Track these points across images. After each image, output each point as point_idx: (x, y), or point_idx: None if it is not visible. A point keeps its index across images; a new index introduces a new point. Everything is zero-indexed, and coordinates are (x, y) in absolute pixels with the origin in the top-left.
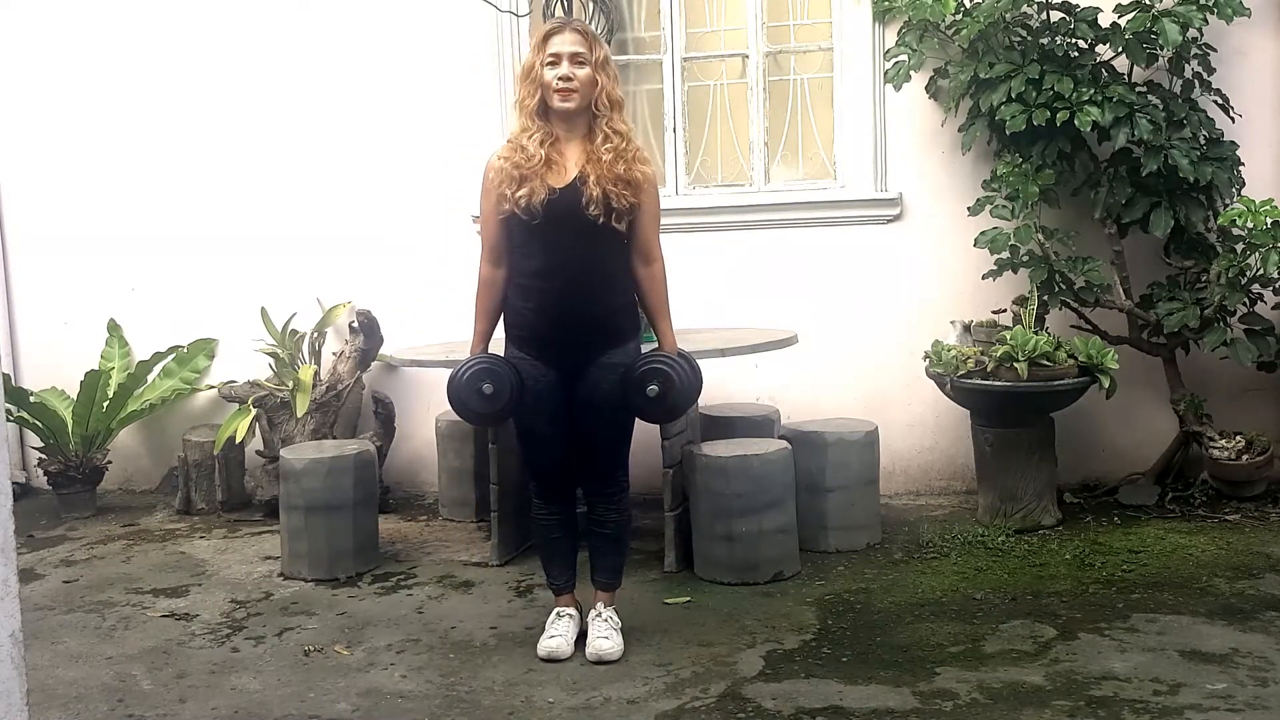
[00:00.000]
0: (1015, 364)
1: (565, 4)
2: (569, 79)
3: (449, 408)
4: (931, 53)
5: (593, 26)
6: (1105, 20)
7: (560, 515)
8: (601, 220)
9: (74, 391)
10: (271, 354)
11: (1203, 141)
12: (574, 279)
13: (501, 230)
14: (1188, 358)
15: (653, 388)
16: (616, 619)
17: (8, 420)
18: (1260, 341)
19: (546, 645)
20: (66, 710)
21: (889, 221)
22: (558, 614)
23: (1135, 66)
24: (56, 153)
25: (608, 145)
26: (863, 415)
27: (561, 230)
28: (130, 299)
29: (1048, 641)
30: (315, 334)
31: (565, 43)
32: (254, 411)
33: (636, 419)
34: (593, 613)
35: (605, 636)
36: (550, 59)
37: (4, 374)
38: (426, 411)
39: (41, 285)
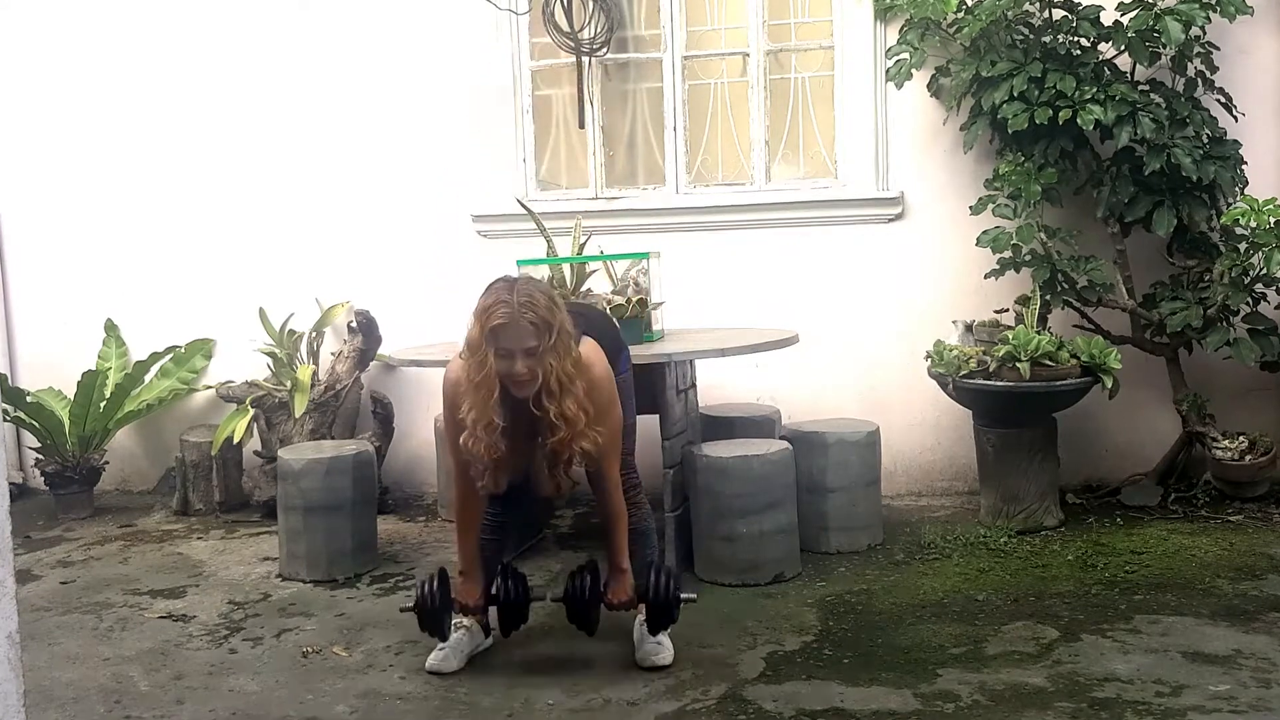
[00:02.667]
0: (1017, 364)
1: (565, 2)
2: (524, 375)
3: None
4: (933, 51)
5: (593, 26)
6: (1108, 18)
7: (499, 518)
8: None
9: (71, 392)
10: (269, 354)
11: (1205, 140)
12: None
13: None
14: (1190, 358)
15: (553, 595)
16: None
17: (5, 420)
18: (1263, 341)
19: (433, 658)
20: (64, 711)
21: (890, 221)
22: (454, 625)
23: (1138, 65)
24: (55, 153)
25: (555, 438)
26: (864, 415)
27: (526, 465)
28: (128, 299)
29: (1050, 643)
30: (313, 334)
31: (516, 339)
32: (252, 412)
33: (635, 414)
34: (640, 618)
35: (657, 642)
36: (502, 352)
37: (1, 374)
38: (425, 411)
39: (39, 285)
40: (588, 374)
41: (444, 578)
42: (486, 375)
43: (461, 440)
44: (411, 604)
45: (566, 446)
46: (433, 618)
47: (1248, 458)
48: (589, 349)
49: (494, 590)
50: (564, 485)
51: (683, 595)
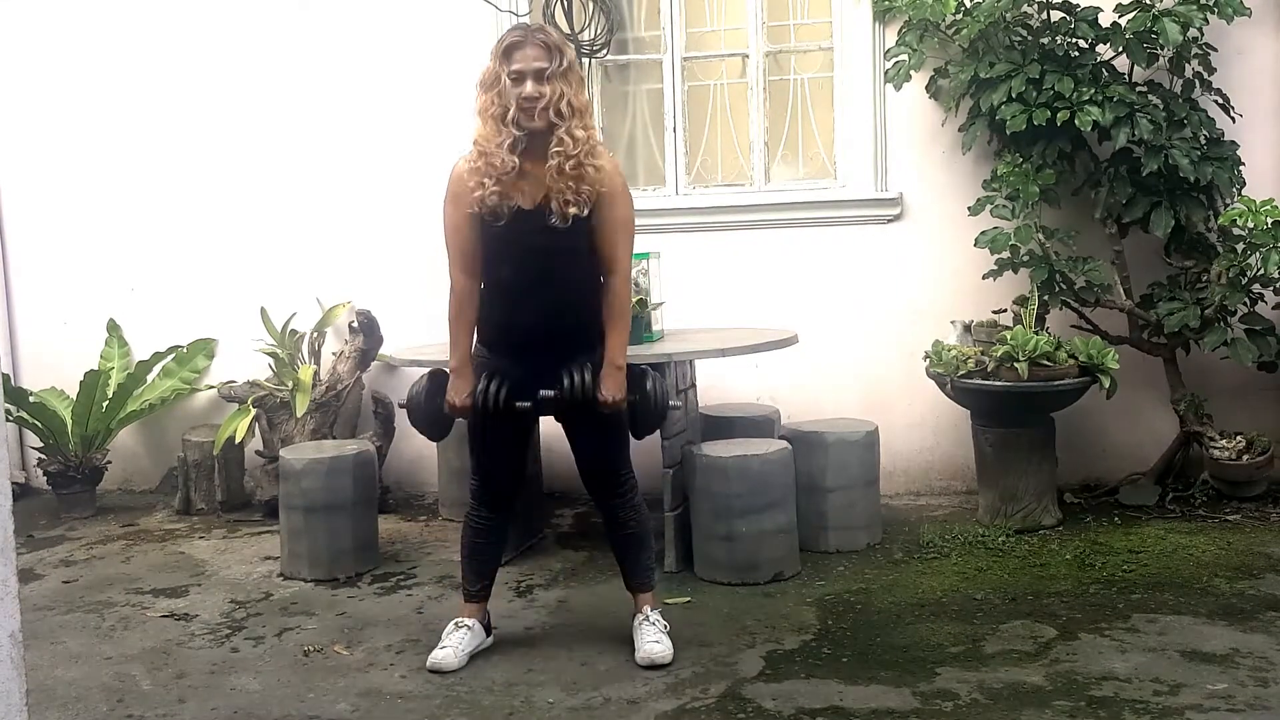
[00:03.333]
0: (1016, 364)
1: (565, 4)
2: (534, 97)
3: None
4: (932, 52)
5: (593, 27)
6: (1106, 20)
7: (494, 522)
8: (567, 225)
9: (73, 391)
10: (271, 354)
11: (1203, 141)
12: (544, 287)
13: (472, 236)
14: (1188, 358)
15: (544, 392)
16: (663, 621)
17: (7, 420)
18: (1261, 341)
19: (434, 656)
20: (66, 710)
21: (889, 221)
22: (456, 624)
23: (1136, 66)
24: (56, 153)
25: (557, 150)
26: (863, 415)
27: (529, 239)
28: (130, 299)
29: (1048, 642)
30: (315, 334)
31: (528, 58)
32: (253, 411)
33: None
34: (639, 617)
35: (656, 640)
36: (514, 74)
37: (3, 374)
38: None
39: (41, 285)
40: (603, 159)
41: (435, 375)
42: (501, 97)
43: (472, 160)
44: (405, 401)
45: (580, 166)
46: (422, 414)
47: (1245, 457)
48: (611, 163)
49: (476, 390)
50: (583, 199)
51: (671, 403)
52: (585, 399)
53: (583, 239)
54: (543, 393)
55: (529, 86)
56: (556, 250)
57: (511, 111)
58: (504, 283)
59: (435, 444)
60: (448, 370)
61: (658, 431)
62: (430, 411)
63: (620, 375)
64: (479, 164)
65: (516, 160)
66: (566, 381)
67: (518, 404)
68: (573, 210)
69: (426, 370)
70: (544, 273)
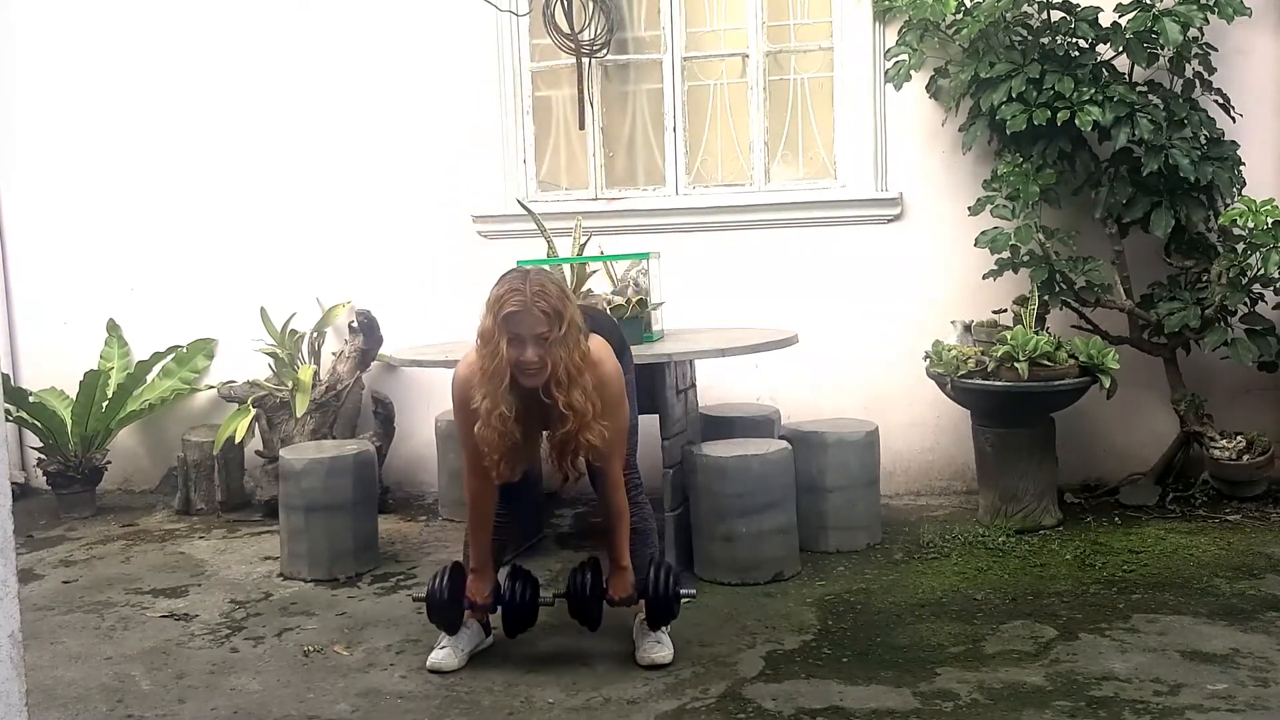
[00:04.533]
0: (1016, 364)
1: (565, 4)
2: (533, 363)
3: (449, 407)
4: (932, 52)
5: (593, 27)
6: (1106, 20)
7: (505, 517)
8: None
9: (73, 391)
10: (271, 354)
11: (1203, 141)
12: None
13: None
14: (1188, 358)
15: (553, 594)
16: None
17: (7, 420)
18: (1261, 341)
19: (434, 656)
20: (66, 710)
21: (889, 221)
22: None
23: (1136, 66)
24: (56, 153)
25: (564, 430)
26: (863, 415)
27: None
28: (129, 299)
29: (1048, 642)
30: (315, 334)
31: (528, 326)
32: (253, 411)
33: (637, 413)
34: (639, 618)
35: (657, 641)
36: (513, 339)
37: (3, 374)
38: (426, 411)
39: (41, 285)
40: (596, 370)
41: (456, 571)
42: (499, 364)
43: (476, 429)
44: (423, 595)
45: (573, 438)
46: (442, 611)
47: (1245, 457)
48: (598, 345)
49: (502, 591)
50: (571, 476)
51: (683, 591)
52: (592, 601)
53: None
54: (556, 597)
55: (529, 353)
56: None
57: (508, 378)
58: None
59: (435, 446)
60: (468, 569)
61: (658, 431)
62: (452, 608)
63: (626, 574)
64: (483, 432)
65: (517, 435)
66: (569, 586)
67: (541, 601)
68: (574, 474)
69: (446, 566)
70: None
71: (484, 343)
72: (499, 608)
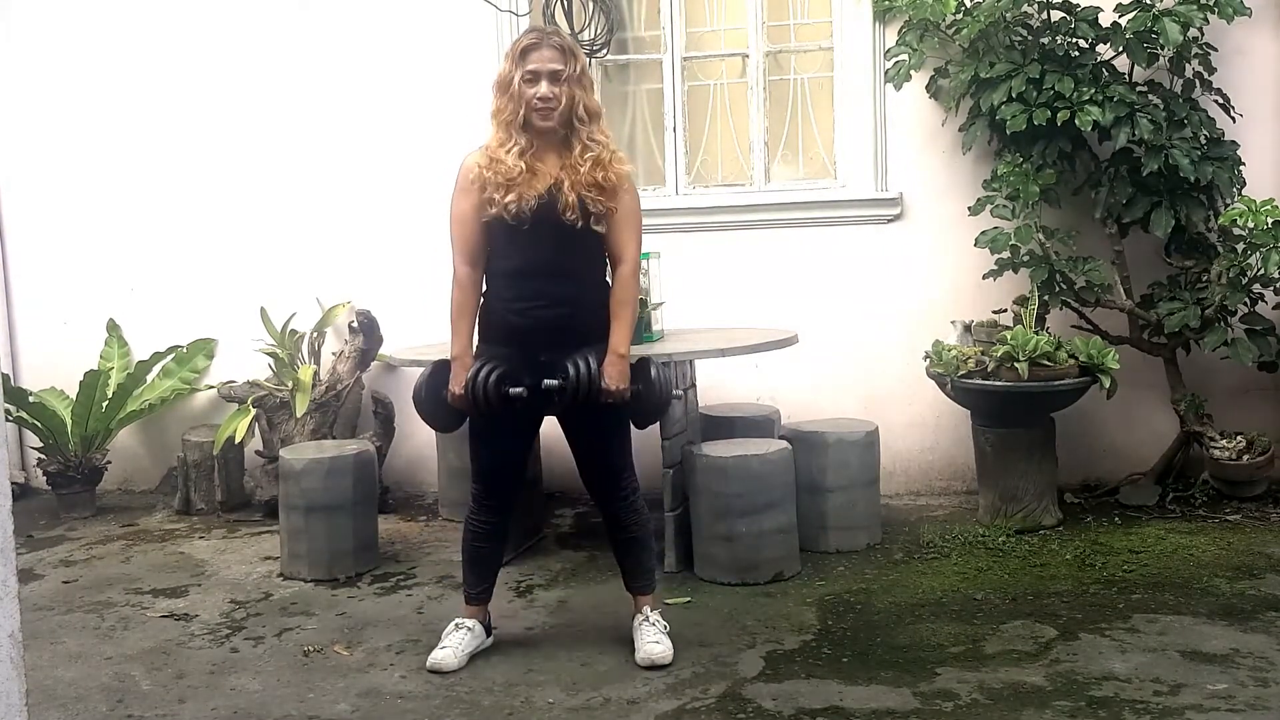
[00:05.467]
0: (1016, 364)
1: (565, 4)
2: (548, 98)
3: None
4: (932, 52)
5: (593, 27)
6: (1106, 20)
7: (495, 525)
8: (580, 224)
9: (73, 391)
10: (271, 354)
11: (1203, 141)
12: (550, 278)
13: (481, 232)
14: (1188, 358)
15: (548, 382)
16: (663, 621)
17: (7, 420)
18: (1261, 341)
19: (434, 656)
20: (65, 710)
21: (889, 221)
22: (456, 625)
23: (1136, 66)
24: (56, 153)
25: (587, 155)
26: (863, 415)
27: (542, 233)
28: (130, 299)
29: (1048, 642)
30: (315, 334)
31: (543, 60)
32: (253, 411)
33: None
34: (639, 618)
35: (656, 641)
36: (528, 75)
37: (3, 374)
38: None
39: (41, 285)
40: (621, 164)
41: (439, 366)
42: (514, 99)
43: (485, 170)
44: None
45: (601, 164)
46: (425, 405)
47: (1245, 457)
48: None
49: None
50: (598, 205)
51: (674, 392)
52: (591, 389)
53: (591, 234)
54: (546, 382)
55: (544, 87)
56: (567, 242)
57: (523, 113)
58: (510, 273)
59: (435, 445)
60: (450, 359)
61: (658, 431)
62: (435, 401)
63: (624, 364)
64: (489, 173)
65: (524, 165)
66: (572, 371)
67: (511, 390)
68: (593, 210)
69: (433, 361)
70: (552, 264)
71: (500, 89)
72: (472, 403)
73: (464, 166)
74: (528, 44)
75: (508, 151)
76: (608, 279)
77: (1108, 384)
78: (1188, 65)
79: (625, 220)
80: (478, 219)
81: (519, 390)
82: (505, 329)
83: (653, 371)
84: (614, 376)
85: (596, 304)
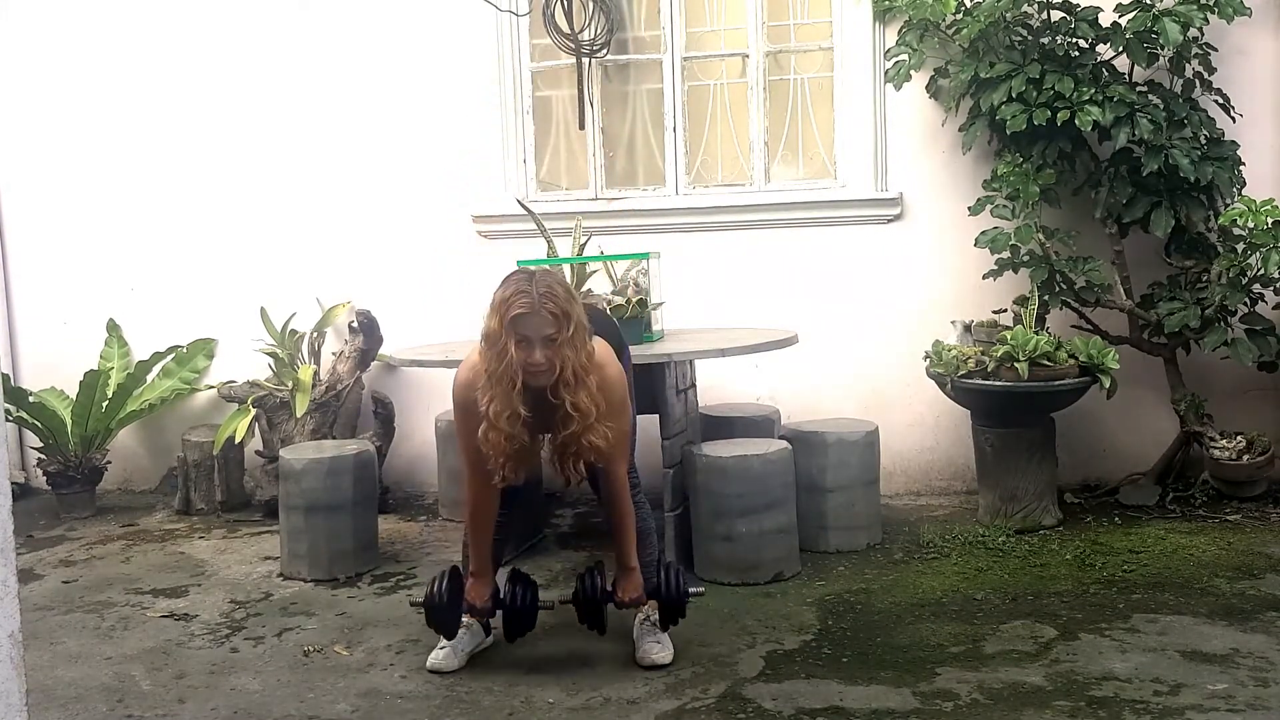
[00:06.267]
0: (1016, 364)
1: (565, 4)
2: (541, 364)
3: (449, 407)
4: (932, 52)
5: (593, 27)
6: (1106, 20)
7: (503, 518)
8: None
9: (73, 391)
10: (271, 354)
11: (1203, 141)
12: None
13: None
14: (1188, 358)
15: (561, 597)
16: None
17: (7, 420)
18: (1261, 341)
19: (434, 656)
20: (65, 710)
21: (889, 221)
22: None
23: (1136, 66)
24: (56, 153)
25: (567, 432)
26: (863, 415)
27: (538, 470)
28: (129, 299)
29: (1048, 642)
30: (315, 334)
31: (536, 328)
32: (253, 411)
33: (635, 413)
34: (640, 617)
35: (657, 641)
36: (520, 340)
37: (3, 374)
38: (426, 411)
39: (41, 285)
40: (601, 372)
41: (454, 575)
42: (507, 365)
43: (481, 433)
44: (421, 599)
45: (577, 440)
46: (440, 615)
47: (1245, 457)
48: (602, 348)
49: (502, 595)
50: (573, 478)
51: (691, 590)
52: (600, 604)
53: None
54: (561, 601)
55: (537, 354)
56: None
57: (519, 380)
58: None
59: (435, 445)
60: (467, 572)
61: (658, 431)
62: (451, 613)
63: (635, 575)
64: (490, 435)
65: (526, 439)
66: (580, 589)
67: (540, 605)
68: (575, 477)
69: (445, 570)
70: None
71: (490, 345)
72: (498, 612)
73: (459, 385)
74: (519, 313)
75: (511, 423)
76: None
77: (1108, 384)
78: (1188, 65)
79: (609, 453)
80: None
81: (549, 605)
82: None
83: (666, 579)
84: (627, 589)
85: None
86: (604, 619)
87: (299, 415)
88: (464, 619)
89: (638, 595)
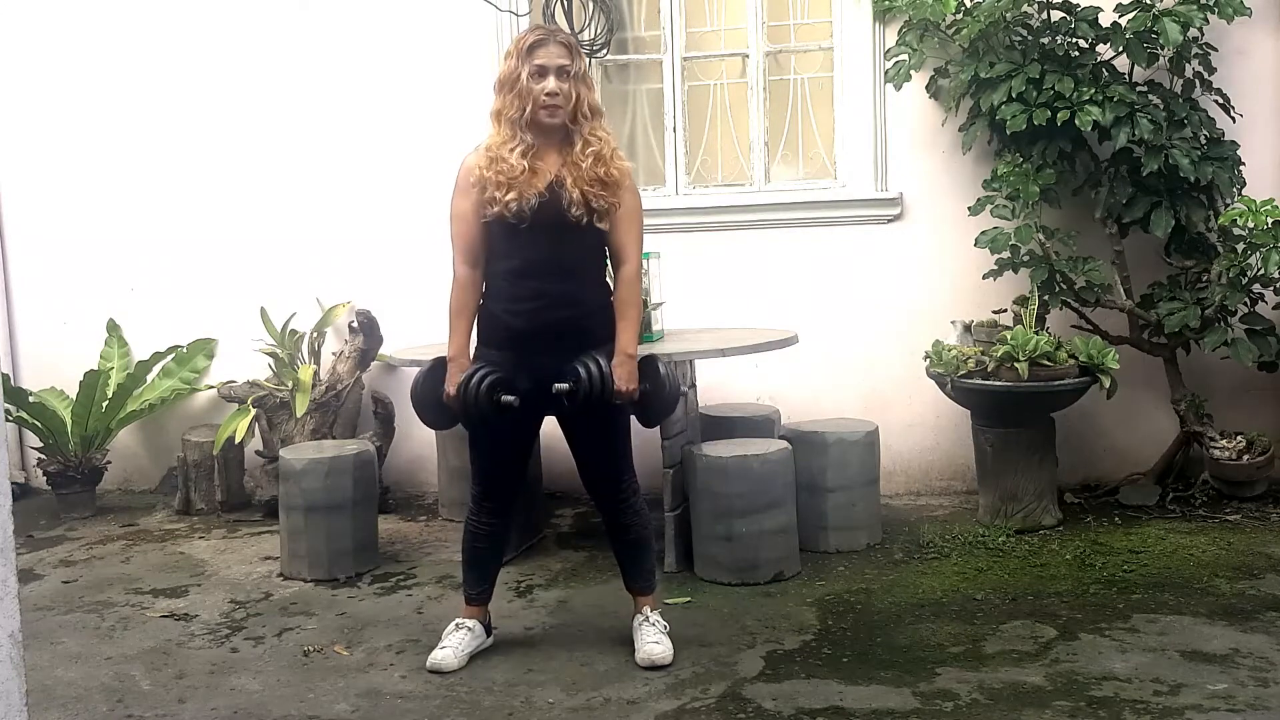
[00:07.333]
0: (1016, 364)
1: (565, 4)
2: (556, 94)
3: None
4: (932, 52)
5: (593, 27)
6: (1106, 20)
7: (494, 527)
8: (585, 221)
9: (73, 391)
10: (271, 354)
11: (1203, 141)
12: (551, 277)
13: (481, 232)
14: (1188, 358)
15: (559, 385)
16: (663, 622)
17: (7, 420)
18: (1261, 341)
19: (434, 656)
20: (66, 710)
21: (889, 221)
22: (456, 625)
23: (1136, 66)
24: (56, 153)
25: (589, 150)
26: (863, 415)
27: (544, 231)
28: (130, 299)
29: (1048, 642)
30: (315, 334)
31: (551, 55)
32: (253, 411)
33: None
34: (639, 618)
35: (656, 641)
36: (535, 71)
37: (3, 374)
38: None
39: (41, 285)
40: (622, 161)
41: (437, 364)
42: (520, 96)
43: (487, 169)
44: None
45: (603, 160)
46: (424, 405)
47: (1245, 457)
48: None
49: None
50: (599, 202)
51: (681, 388)
52: (604, 390)
53: (594, 232)
54: (557, 386)
55: (551, 82)
56: (568, 241)
57: (529, 110)
58: (510, 273)
59: (435, 445)
60: (447, 359)
61: (658, 431)
62: (431, 399)
63: (633, 364)
64: (489, 171)
65: (526, 164)
66: (583, 372)
67: (503, 398)
68: (597, 207)
69: (432, 359)
70: (553, 263)
71: (504, 87)
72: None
73: (463, 166)
74: (534, 40)
75: (510, 150)
76: (608, 280)
77: (1108, 384)
78: (1188, 65)
79: (628, 218)
80: (477, 219)
81: (510, 399)
82: (505, 332)
83: (661, 369)
84: (624, 377)
85: (598, 304)
86: (605, 399)
87: (299, 415)
88: (465, 621)
89: (634, 385)
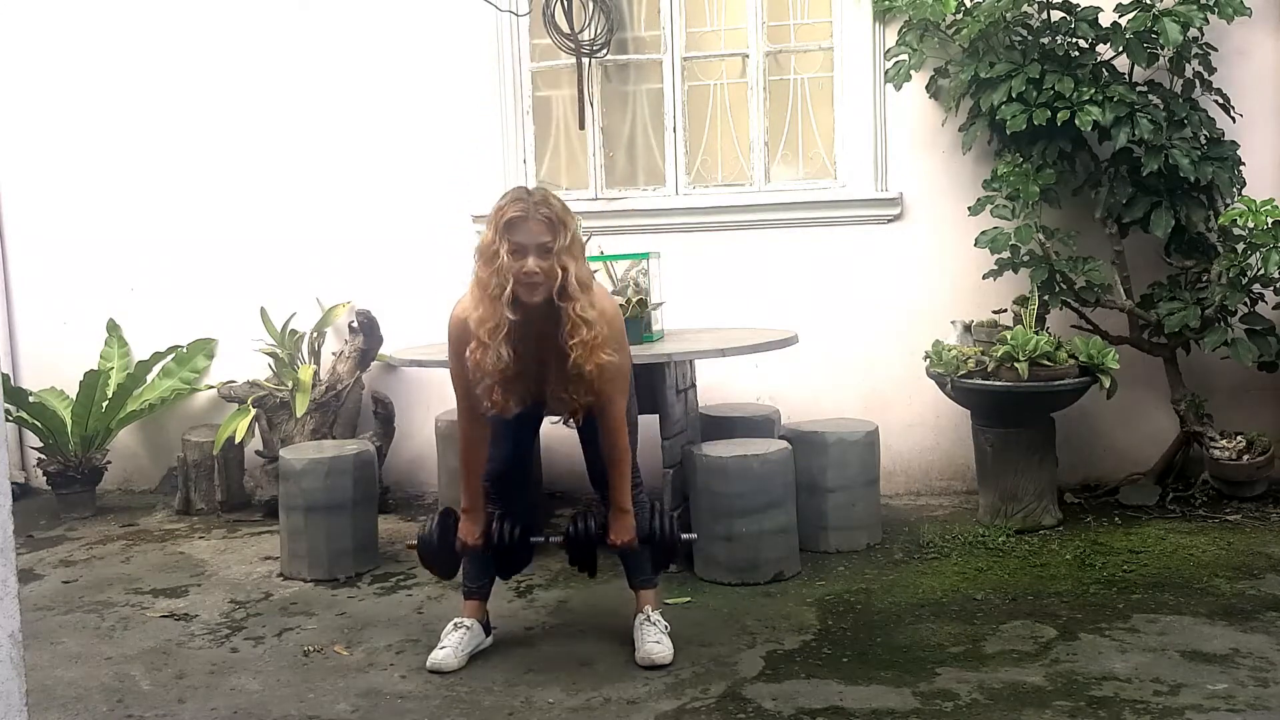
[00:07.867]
0: (1016, 364)
1: (565, 4)
2: (535, 274)
3: (450, 408)
4: (932, 52)
5: (593, 27)
6: (1106, 20)
7: (502, 519)
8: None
9: (73, 391)
10: (271, 354)
11: (1203, 141)
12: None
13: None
14: (1188, 358)
15: (553, 538)
16: (664, 622)
17: (7, 420)
18: (1261, 341)
19: (434, 656)
20: (66, 710)
21: (889, 221)
22: (455, 624)
23: (1136, 66)
24: (56, 153)
25: (575, 339)
26: (863, 415)
27: (534, 408)
28: (130, 299)
29: (1048, 642)
30: (315, 334)
31: (531, 233)
32: (253, 411)
33: (638, 413)
34: (640, 617)
35: (656, 641)
36: (514, 248)
37: (3, 374)
38: (426, 411)
39: (41, 285)
40: (602, 303)
41: (447, 515)
42: (499, 273)
43: (469, 352)
44: (415, 542)
45: (587, 355)
46: (433, 555)
47: (1245, 457)
48: (600, 289)
49: (490, 532)
50: (578, 409)
51: (684, 535)
52: (591, 545)
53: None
54: (551, 539)
55: (530, 262)
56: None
57: (509, 288)
58: (509, 426)
59: (435, 445)
60: (458, 510)
61: (658, 431)
62: (443, 551)
63: (627, 518)
64: (477, 353)
65: (508, 358)
66: (571, 530)
67: (532, 539)
68: (581, 405)
69: (436, 512)
70: (540, 419)
71: (484, 259)
72: (490, 550)
73: (453, 321)
74: (513, 216)
75: (492, 335)
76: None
77: (1108, 384)
78: (1188, 65)
79: (611, 379)
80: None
81: (540, 539)
82: (504, 477)
83: (656, 522)
84: (619, 531)
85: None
86: (595, 561)
87: (299, 415)
88: (464, 620)
89: (629, 538)
